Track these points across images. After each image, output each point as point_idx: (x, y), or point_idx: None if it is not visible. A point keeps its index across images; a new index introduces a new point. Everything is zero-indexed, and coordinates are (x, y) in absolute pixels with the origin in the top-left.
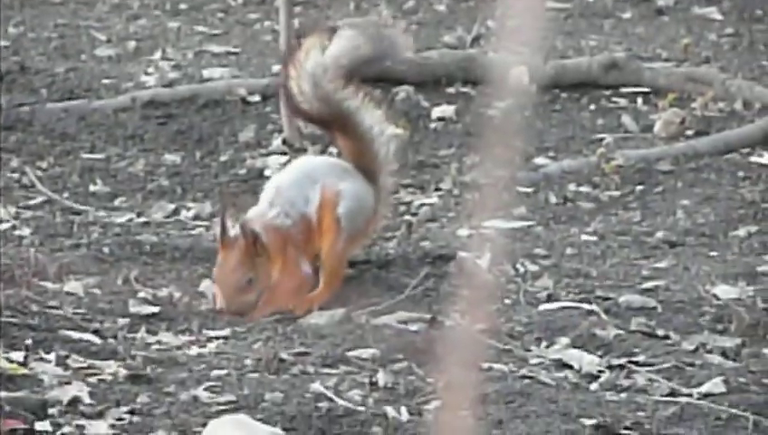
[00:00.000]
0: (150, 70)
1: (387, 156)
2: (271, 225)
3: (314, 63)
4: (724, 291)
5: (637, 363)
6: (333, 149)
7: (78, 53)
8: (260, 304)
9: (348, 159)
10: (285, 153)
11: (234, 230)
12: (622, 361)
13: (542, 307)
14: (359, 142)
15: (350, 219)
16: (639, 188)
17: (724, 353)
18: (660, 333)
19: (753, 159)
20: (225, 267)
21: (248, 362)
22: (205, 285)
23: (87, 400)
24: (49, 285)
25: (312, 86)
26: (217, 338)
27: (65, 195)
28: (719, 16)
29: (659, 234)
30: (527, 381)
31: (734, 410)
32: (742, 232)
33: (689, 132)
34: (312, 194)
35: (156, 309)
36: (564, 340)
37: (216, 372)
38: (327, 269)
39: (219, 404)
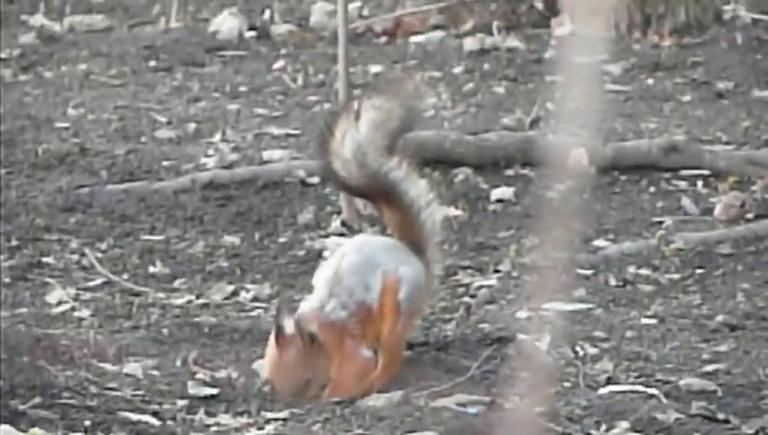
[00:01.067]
0: (210, 152)
1: (432, 227)
2: (326, 321)
3: (353, 145)
4: None
5: None
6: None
7: (138, 134)
8: (324, 395)
9: (394, 233)
10: (344, 234)
11: (289, 329)
12: None
13: (602, 390)
14: (404, 214)
15: (410, 302)
16: (699, 271)
17: None
18: (721, 416)
19: None
20: (282, 368)
21: None
22: (259, 363)
23: None
24: (108, 366)
25: (357, 166)
26: (276, 420)
27: (125, 276)
28: None
29: (719, 317)
30: None
31: None
32: None
33: (749, 215)
34: (372, 281)
35: (214, 391)
36: (624, 424)
37: None
38: (386, 351)
39: None
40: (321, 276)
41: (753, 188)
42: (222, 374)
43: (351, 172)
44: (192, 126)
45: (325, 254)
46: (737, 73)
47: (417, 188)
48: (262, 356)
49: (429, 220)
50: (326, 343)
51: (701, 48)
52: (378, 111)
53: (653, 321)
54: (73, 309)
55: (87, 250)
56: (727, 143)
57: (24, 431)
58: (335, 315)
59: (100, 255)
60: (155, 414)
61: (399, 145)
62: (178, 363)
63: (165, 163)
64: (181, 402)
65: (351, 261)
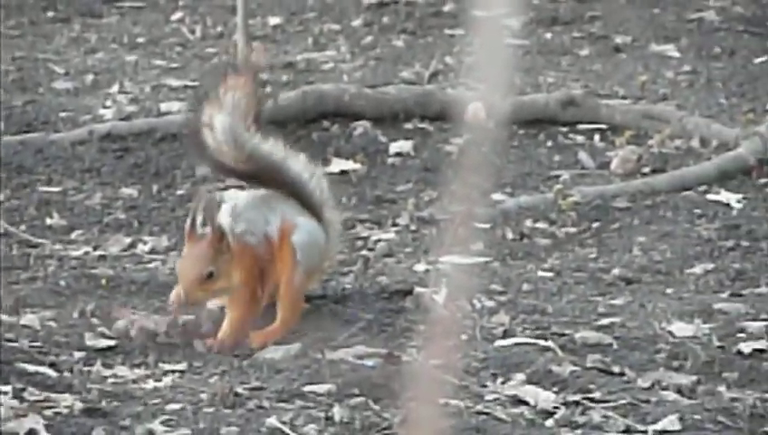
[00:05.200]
0: (108, 103)
1: (323, 195)
2: (240, 238)
3: (224, 130)
4: (680, 328)
5: (592, 400)
6: None
7: (35, 85)
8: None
9: None
10: (242, 187)
11: (202, 226)
12: (578, 397)
13: (499, 343)
14: (290, 189)
15: (305, 252)
16: (596, 224)
17: (679, 391)
18: (616, 369)
19: (710, 196)
20: (189, 258)
21: (204, 396)
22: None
23: (43, 433)
24: (5, 317)
25: (233, 151)
26: (173, 372)
27: (22, 228)
28: (677, 54)
29: (616, 271)
30: (483, 417)
31: None
32: (698, 269)
33: (646, 169)
34: (271, 217)
35: (111, 343)
36: (520, 376)
37: (171, 406)
38: (284, 304)
39: None
40: (222, 213)
41: (650, 142)
42: (118, 326)
43: (228, 157)
44: (90, 77)
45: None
46: (635, 28)
47: (298, 163)
48: (159, 308)
49: (318, 190)
50: (236, 254)
51: (599, 2)
52: (235, 92)
53: (549, 274)
54: None
55: None
56: (624, 97)
57: None
58: (247, 237)
59: None
60: (52, 365)
61: (263, 122)
62: (76, 315)
63: (62, 114)
64: (78, 354)
65: (248, 199)
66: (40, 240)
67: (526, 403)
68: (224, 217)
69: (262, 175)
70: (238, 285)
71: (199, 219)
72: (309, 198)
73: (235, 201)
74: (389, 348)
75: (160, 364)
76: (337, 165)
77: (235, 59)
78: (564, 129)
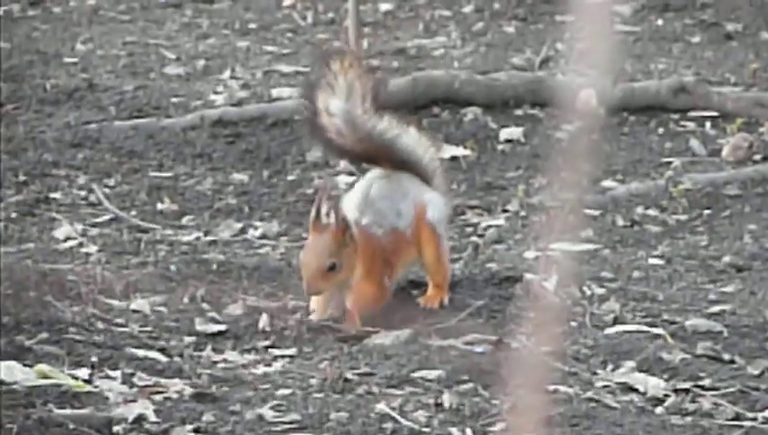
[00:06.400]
0: (219, 89)
1: (435, 166)
2: (364, 229)
3: (340, 113)
4: None
5: (702, 387)
6: None
7: (147, 71)
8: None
9: None
10: (353, 173)
11: (327, 217)
12: (688, 385)
13: (609, 330)
14: (405, 165)
15: (441, 224)
16: (707, 212)
17: None
18: (726, 357)
19: None
20: (313, 249)
21: (313, 381)
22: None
23: (152, 418)
24: (115, 302)
25: (349, 132)
26: (283, 357)
27: (133, 213)
28: None
29: (726, 258)
30: (593, 404)
31: None
32: None
33: (757, 157)
34: (403, 208)
35: (222, 327)
36: (630, 363)
37: (281, 392)
38: (437, 276)
39: (284, 423)
40: (350, 203)
41: (761, 129)
42: (230, 311)
43: (347, 139)
44: (201, 63)
45: (334, 193)
46: (746, 15)
47: (411, 139)
48: (270, 294)
49: (430, 161)
50: (359, 244)
51: None
52: (347, 75)
53: (660, 261)
54: (81, 245)
55: (95, 186)
56: (735, 85)
57: (29, 367)
58: (372, 230)
59: (107, 191)
60: (162, 350)
61: (382, 101)
62: (186, 300)
63: (173, 100)
64: (188, 339)
65: (381, 186)
66: (151, 225)
67: (636, 390)
68: (350, 209)
69: (378, 155)
70: (362, 276)
71: (324, 210)
72: (423, 170)
73: (366, 191)
74: (499, 334)
75: (270, 350)
76: (447, 151)
77: (345, 44)
78: (675, 116)
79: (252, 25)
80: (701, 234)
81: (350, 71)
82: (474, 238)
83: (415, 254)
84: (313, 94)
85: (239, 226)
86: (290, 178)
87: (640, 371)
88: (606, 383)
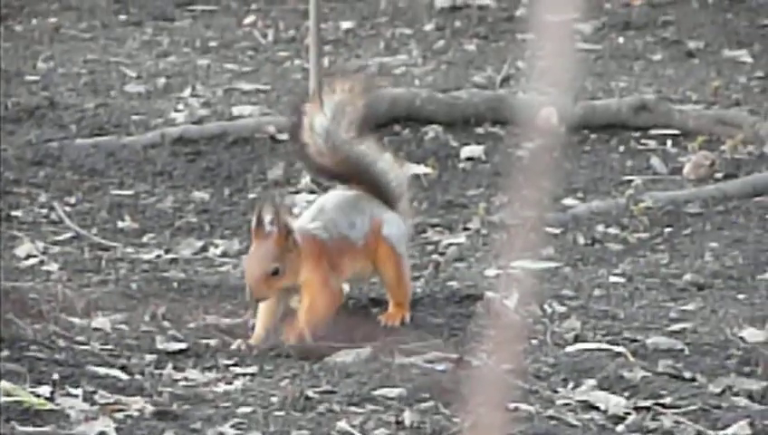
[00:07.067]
0: (180, 107)
1: (401, 189)
2: (307, 232)
3: (323, 132)
4: (752, 334)
5: (663, 406)
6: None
7: (107, 88)
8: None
9: None
10: (314, 191)
11: (270, 224)
12: (649, 403)
13: (570, 348)
14: (374, 186)
15: (399, 241)
16: (668, 230)
17: (750, 396)
18: (687, 375)
19: None
20: (255, 256)
21: (275, 399)
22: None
23: None
24: (76, 320)
25: (330, 152)
26: (244, 375)
27: (93, 231)
28: (749, 59)
29: (687, 276)
30: (554, 422)
31: None
32: None
33: (718, 175)
34: (357, 221)
35: (183, 346)
36: (591, 381)
37: (242, 410)
38: (397, 292)
39: None
40: (306, 215)
41: (723, 147)
42: (190, 329)
43: (324, 157)
44: (162, 81)
45: (294, 211)
46: (708, 33)
47: (385, 163)
48: (231, 312)
49: (398, 186)
50: (303, 248)
51: (672, 7)
52: (340, 96)
53: (621, 279)
54: (42, 263)
55: (56, 204)
56: (697, 102)
57: None
58: (317, 232)
59: (68, 209)
60: (123, 368)
61: (367, 128)
62: (147, 318)
63: (134, 118)
64: (149, 357)
65: (336, 199)
66: (112, 243)
67: (597, 408)
68: (304, 219)
69: (352, 176)
70: (308, 277)
71: (266, 218)
72: (389, 193)
73: (323, 203)
74: (460, 353)
75: (231, 368)
76: (409, 169)
77: (346, 69)
78: (637, 134)
79: (212, 43)
80: (662, 252)
81: (347, 94)
82: (435, 256)
83: (364, 265)
84: (303, 109)
85: (200, 244)
86: (251, 196)
87: (601, 389)
88: (567, 401)
